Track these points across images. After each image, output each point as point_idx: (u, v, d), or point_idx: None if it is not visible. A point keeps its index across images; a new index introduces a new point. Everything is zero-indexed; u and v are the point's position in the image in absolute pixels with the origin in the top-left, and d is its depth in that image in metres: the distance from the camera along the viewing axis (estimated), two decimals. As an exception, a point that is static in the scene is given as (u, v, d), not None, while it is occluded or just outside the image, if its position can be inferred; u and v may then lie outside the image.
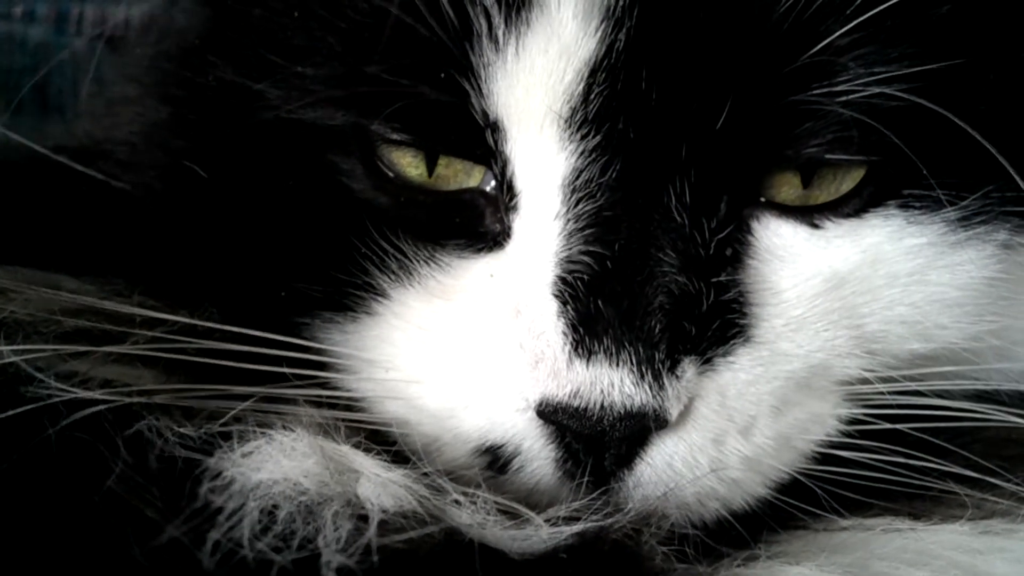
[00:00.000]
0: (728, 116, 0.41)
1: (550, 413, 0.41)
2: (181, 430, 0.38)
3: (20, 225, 0.50)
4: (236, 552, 0.34)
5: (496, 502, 0.40)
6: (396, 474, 0.40)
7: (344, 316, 0.46)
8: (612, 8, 0.41)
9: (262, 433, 0.39)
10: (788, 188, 0.44)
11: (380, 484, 0.39)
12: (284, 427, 0.40)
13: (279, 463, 0.38)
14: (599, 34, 0.41)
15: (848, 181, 0.44)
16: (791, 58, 0.40)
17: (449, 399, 0.43)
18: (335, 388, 0.45)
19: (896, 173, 0.44)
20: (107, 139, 0.54)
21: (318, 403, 0.43)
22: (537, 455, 0.42)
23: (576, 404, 0.40)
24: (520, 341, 0.42)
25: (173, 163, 0.48)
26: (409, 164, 0.45)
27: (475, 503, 0.39)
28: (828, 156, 0.42)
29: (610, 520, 0.39)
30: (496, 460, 0.42)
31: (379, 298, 0.45)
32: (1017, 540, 0.42)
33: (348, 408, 0.44)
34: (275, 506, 0.36)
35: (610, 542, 0.39)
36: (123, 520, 0.34)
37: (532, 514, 0.39)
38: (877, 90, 0.41)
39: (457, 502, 0.39)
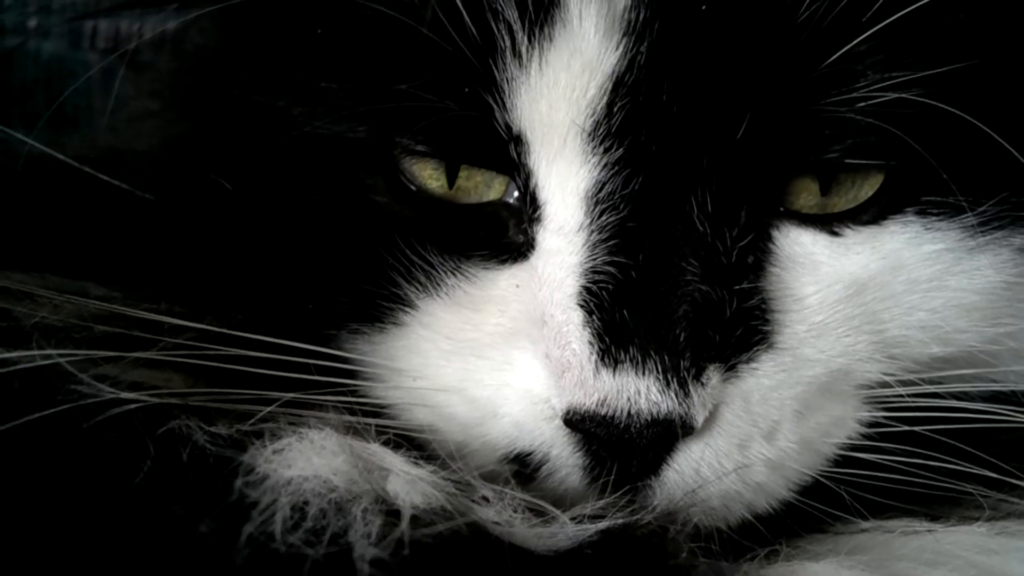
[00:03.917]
0: (748, 127, 0.41)
1: (578, 421, 0.42)
2: (211, 429, 0.38)
3: (45, 234, 0.50)
4: (269, 545, 0.34)
5: (523, 499, 0.40)
6: (424, 471, 0.40)
7: (372, 326, 0.46)
8: (633, 23, 0.41)
9: (293, 431, 0.40)
10: (807, 195, 0.45)
11: (409, 481, 0.39)
12: (314, 426, 0.41)
13: (310, 460, 0.38)
14: (621, 49, 0.41)
15: (866, 188, 0.45)
16: (810, 67, 0.41)
17: (477, 408, 0.44)
18: (363, 395, 0.45)
19: (914, 179, 0.44)
20: (128, 151, 0.55)
21: (348, 409, 0.43)
22: (565, 462, 0.43)
23: (603, 412, 0.41)
24: (547, 351, 0.42)
25: (197, 175, 0.49)
26: (430, 176, 0.46)
27: (502, 500, 0.40)
28: (847, 160, 0.43)
29: (635, 517, 0.40)
30: (525, 467, 0.43)
31: (406, 308, 0.46)
32: (1033, 540, 0.43)
33: (376, 415, 0.45)
34: (306, 502, 0.36)
35: (635, 538, 0.39)
36: (151, 514, 0.35)
37: (558, 512, 0.40)
38: (895, 95, 0.41)
39: (485, 498, 0.40)
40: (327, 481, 0.37)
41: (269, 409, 0.40)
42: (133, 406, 0.37)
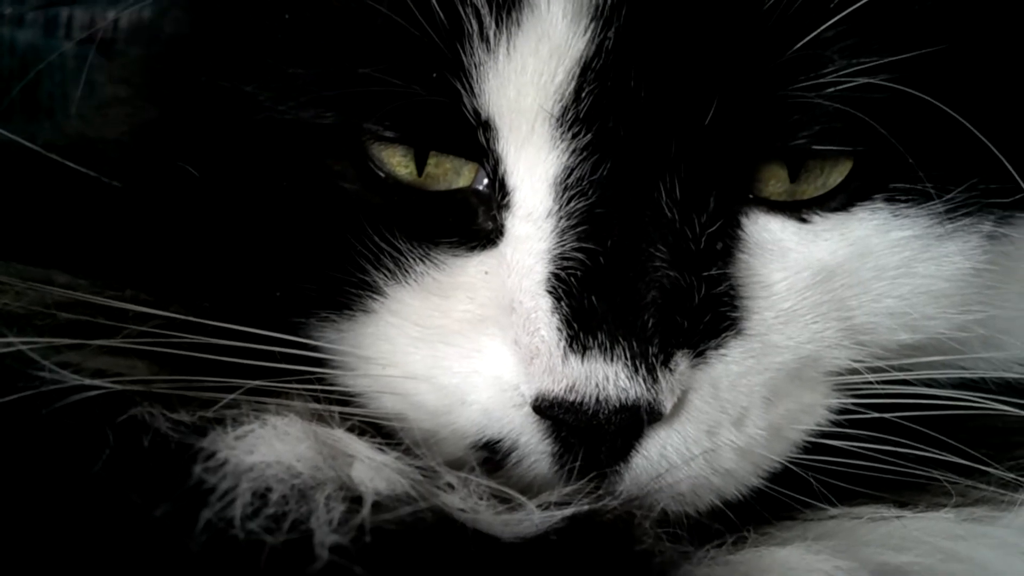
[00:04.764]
0: (716, 112, 0.41)
1: (546, 408, 0.41)
2: (174, 416, 0.38)
3: (11, 221, 0.50)
4: (227, 531, 0.34)
5: (488, 486, 0.40)
6: (389, 457, 0.40)
7: (340, 314, 0.46)
8: (601, 8, 0.41)
9: (256, 417, 0.40)
10: (776, 182, 0.44)
11: (374, 467, 0.39)
12: (278, 412, 0.41)
13: (272, 446, 0.38)
14: (589, 34, 0.41)
15: (835, 175, 0.44)
16: (778, 53, 0.41)
17: (446, 395, 0.43)
18: (332, 384, 0.45)
19: (883, 166, 0.44)
20: (98, 138, 0.55)
21: (314, 397, 0.43)
22: (534, 449, 0.42)
23: (572, 399, 0.41)
24: (515, 337, 0.42)
25: (165, 162, 0.49)
26: (399, 163, 0.45)
27: (468, 486, 0.40)
28: (815, 146, 0.43)
29: (600, 503, 0.40)
30: (494, 455, 0.43)
31: (375, 296, 0.45)
32: (1000, 526, 0.43)
33: (345, 403, 0.44)
34: (268, 488, 0.36)
35: (600, 524, 0.39)
36: (108, 501, 0.34)
37: (524, 499, 0.40)
38: (863, 80, 0.41)
39: (450, 485, 0.40)
40: (290, 467, 0.37)
41: (232, 396, 0.39)
42: (94, 393, 0.37)
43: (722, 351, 0.43)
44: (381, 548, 0.35)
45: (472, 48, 0.42)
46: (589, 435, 0.42)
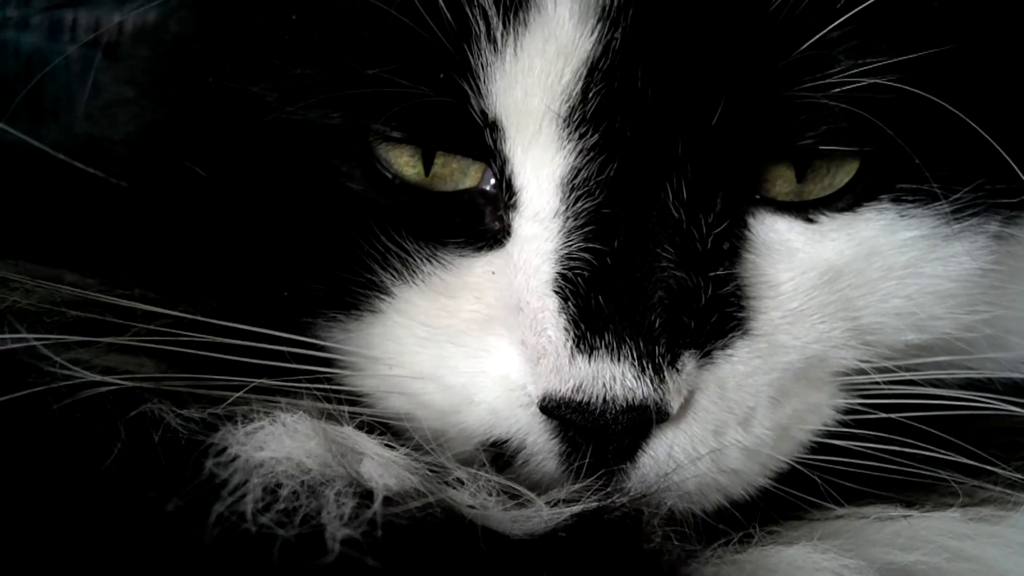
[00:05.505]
0: (723, 113, 0.41)
1: (553, 408, 0.42)
2: (184, 412, 0.38)
3: (21, 221, 0.50)
4: (239, 525, 0.34)
5: (498, 482, 0.40)
6: (398, 454, 0.40)
7: (347, 314, 0.46)
8: (608, 8, 0.41)
9: (266, 413, 0.40)
10: (783, 182, 0.45)
11: (383, 464, 0.39)
12: (287, 409, 0.41)
13: (282, 442, 0.38)
14: (596, 34, 0.41)
15: (842, 175, 0.45)
16: (784, 53, 0.41)
17: (453, 395, 0.44)
18: (339, 383, 0.45)
19: (889, 167, 0.44)
20: (104, 139, 0.55)
21: (324, 397, 0.43)
22: (541, 449, 0.43)
23: (579, 399, 0.41)
24: (522, 338, 0.42)
25: (172, 162, 0.49)
26: (406, 163, 0.45)
27: (477, 482, 0.40)
28: (822, 147, 0.43)
29: (609, 501, 0.40)
30: (501, 454, 0.43)
31: (382, 296, 0.46)
32: (1006, 526, 0.43)
33: (353, 403, 0.44)
34: (278, 484, 0.36)
35: (609, 521, 0.39)
36: (120, 495, 0.35)
37: (532, 495, 0.40)
38: (869, 81, 0.41)
39: (460, 481, 0.40)
40: (300, 463, 0.37)
41: (240, 393, 0.40)
42: (104, 389, 0.37)
43: (729, 351, 0.43)
44: (392, 541, 0.35)
45: (479, 49, 0.42)
46: (596, 435, 0.42)
